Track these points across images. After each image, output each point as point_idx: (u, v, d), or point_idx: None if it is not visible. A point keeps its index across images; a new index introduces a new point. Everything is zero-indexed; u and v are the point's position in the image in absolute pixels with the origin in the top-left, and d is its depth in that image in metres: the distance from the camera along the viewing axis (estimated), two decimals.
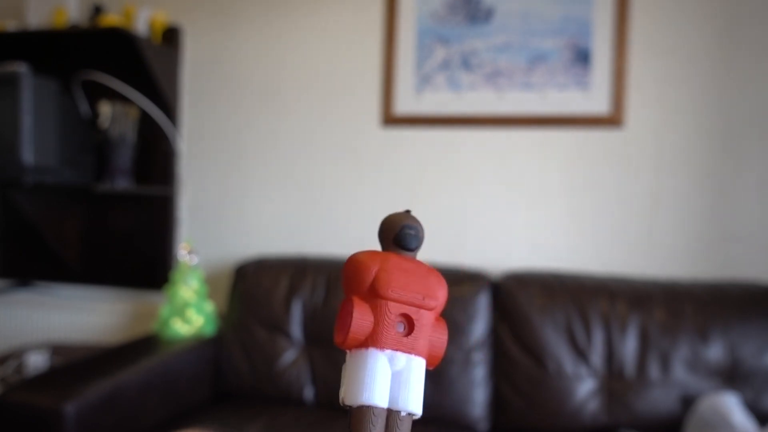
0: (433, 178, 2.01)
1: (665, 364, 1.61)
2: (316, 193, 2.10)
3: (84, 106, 2.16)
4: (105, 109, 2.10)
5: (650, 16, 1.85)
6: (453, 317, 1.70)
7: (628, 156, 1.87)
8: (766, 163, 1.79)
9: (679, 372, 1.60)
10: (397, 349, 0.40)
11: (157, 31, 2.12)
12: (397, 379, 0.40)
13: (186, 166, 2.19)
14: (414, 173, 2.02)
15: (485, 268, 1.89)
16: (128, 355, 1.68)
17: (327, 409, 1.76)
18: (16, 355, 2.10)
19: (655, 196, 1.86)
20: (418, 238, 0.43)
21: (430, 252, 1.89)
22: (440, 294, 0.42)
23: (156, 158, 2.16)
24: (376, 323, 0.40)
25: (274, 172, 2.13)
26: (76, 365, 1.59)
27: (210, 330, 1.91)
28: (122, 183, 2.10)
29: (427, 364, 0.42)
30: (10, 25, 2.11)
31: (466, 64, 1.96)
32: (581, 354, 1.66)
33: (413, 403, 0.40)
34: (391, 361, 0.40)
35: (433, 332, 0.42)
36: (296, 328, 1.84)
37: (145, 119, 2.13)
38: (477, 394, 1.72)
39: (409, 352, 0.41)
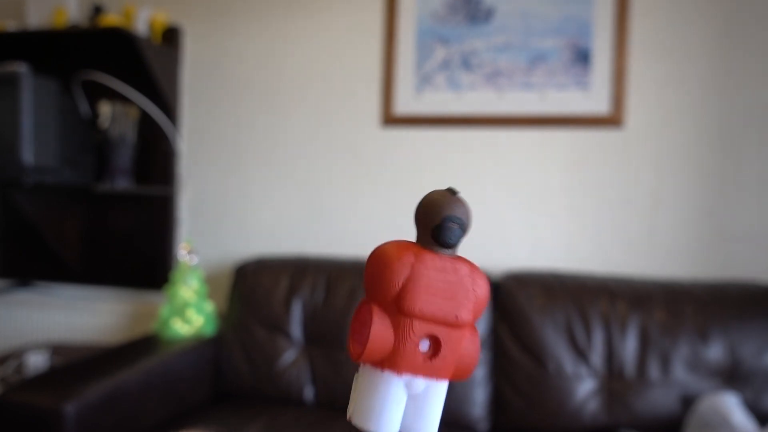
0: (433, 178, 2.01)
1: (665, 364, 1.61)
2: (316, 193, 2.10)
3: (84, 106, 2.16)
4: (105, 109, 2.10)
5: (650, 17, 1.85)
6: None
7: (628, 156, 1.87)
8: (766, 162, 1.79)
9: (679, 372, 1.60)
10: (417, 375, 0.35)
11: (157, 31, 2.12)
12: (412, 403, 0.35)
13: (186, 166, 2.19)
14: (414, 173, 2.02)
15: (485, 268, 1.89)
16: (128, 355, 1.68)
17: (327, 409, 1.76)
18: (16, 355, 2.10)
19: (655, 196, 1.86)
20: (462, 231, 0.36)
21: None
22: (478, 306, 0.36)
23: (156, 158, 2.16)
24: (397, 342, 0.34)
25: (274, 171, 2.13)
26: (76, 365, 1.59)
27: (210, 330, 1.91)
28: (122, 183, 2.10)
29: (455, 378, 0.37)
30: (10, 25, 2.11)
31: (466, 64, 1.96)
32: (581, 354, 1.66)
33: None
34: (408, 385, 0.35)
35: (464, 344, 0.36)
36: (296, 328, 1.84)
37: (145, 119, 2.13)
38: (477, 394, 1.72)
39: (431, 378, 0.35)
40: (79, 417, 1.38)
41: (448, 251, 0.36)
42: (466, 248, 2.12)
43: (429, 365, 0.35)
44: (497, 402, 1.72)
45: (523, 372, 1.69)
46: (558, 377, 1.66)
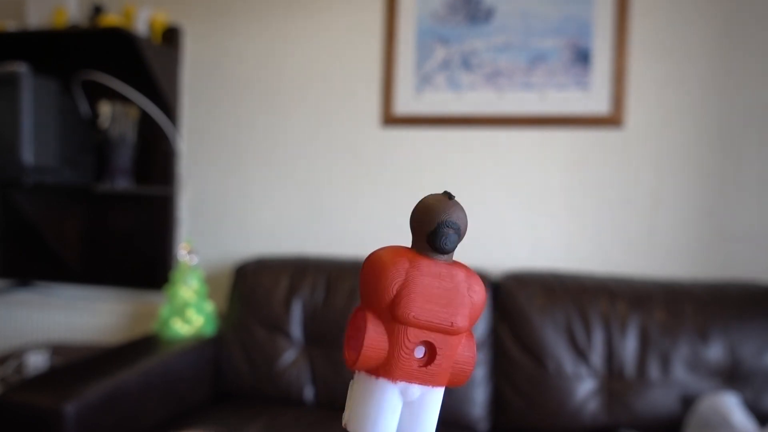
0: (433, 178, 2.01)
1: (665, 364, 1.61)
2: (316, 193, 2.10)
3: (84, 106, 2.16)
4: (105, 109, 2.10)
5: (650, 17, 1.85)
6: None
7: (628, 156, 1.87)
8: (766, 162, 1.79)
9: (679, 372, 1.60)
10: (412, 382, 0.35)
11: (157, 31, 2.12)
12: (408, 411, 0.35)
13: (186, 166, 2.19)
14: (414, 173, 2.02)
15: (485, 268, 1.89)
16: (128, 355, 1.68)
17: (327, 409, 1.76)
18: (16, 355, 2.10)
19: (655, 196, 1.86)
20: (458, 237, 0.35)
21: None
22: (474, 311, 0.36)
23: (156, 158, 2.16)
24: (392, 349, 0.34)
25: (274, 171, 2.13)
26: (76, 365, 1.59)
27: (210, 330, 1.91)
28: (122, 183, 2.10)
29: (451, 384, 0.37)
30: (10, 25, 2.11)
31: (466, 64, 1.96)
32: (581, 354, 1.66)
33: None
34: (403, 392, 0.35)
35: (460, 350, 0.36)
36: (296, 328, 1.84)
37: (145, 119, 2.13)
38: (477, 394, 1.72)
39: (426, 384, 0.35)
40: (79, 417, 1.38)
41: (444, 257, 0.35)
42: (466, 248, 2.12)
43: (424, 372, 0.35)
44: (497, 402, 1.72)
45: (523, 372, 1.69)
46: (558, 377, 1.66)
